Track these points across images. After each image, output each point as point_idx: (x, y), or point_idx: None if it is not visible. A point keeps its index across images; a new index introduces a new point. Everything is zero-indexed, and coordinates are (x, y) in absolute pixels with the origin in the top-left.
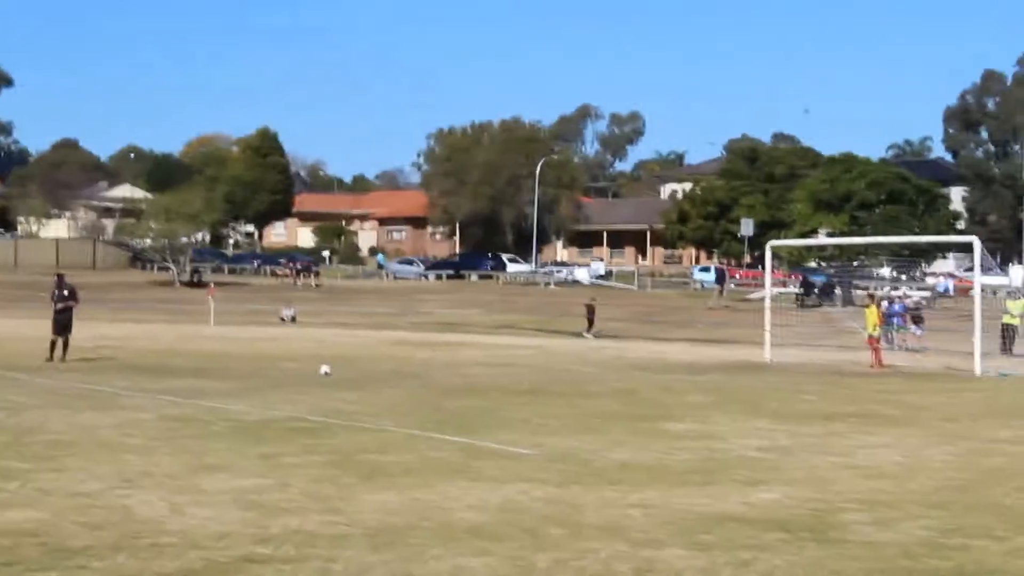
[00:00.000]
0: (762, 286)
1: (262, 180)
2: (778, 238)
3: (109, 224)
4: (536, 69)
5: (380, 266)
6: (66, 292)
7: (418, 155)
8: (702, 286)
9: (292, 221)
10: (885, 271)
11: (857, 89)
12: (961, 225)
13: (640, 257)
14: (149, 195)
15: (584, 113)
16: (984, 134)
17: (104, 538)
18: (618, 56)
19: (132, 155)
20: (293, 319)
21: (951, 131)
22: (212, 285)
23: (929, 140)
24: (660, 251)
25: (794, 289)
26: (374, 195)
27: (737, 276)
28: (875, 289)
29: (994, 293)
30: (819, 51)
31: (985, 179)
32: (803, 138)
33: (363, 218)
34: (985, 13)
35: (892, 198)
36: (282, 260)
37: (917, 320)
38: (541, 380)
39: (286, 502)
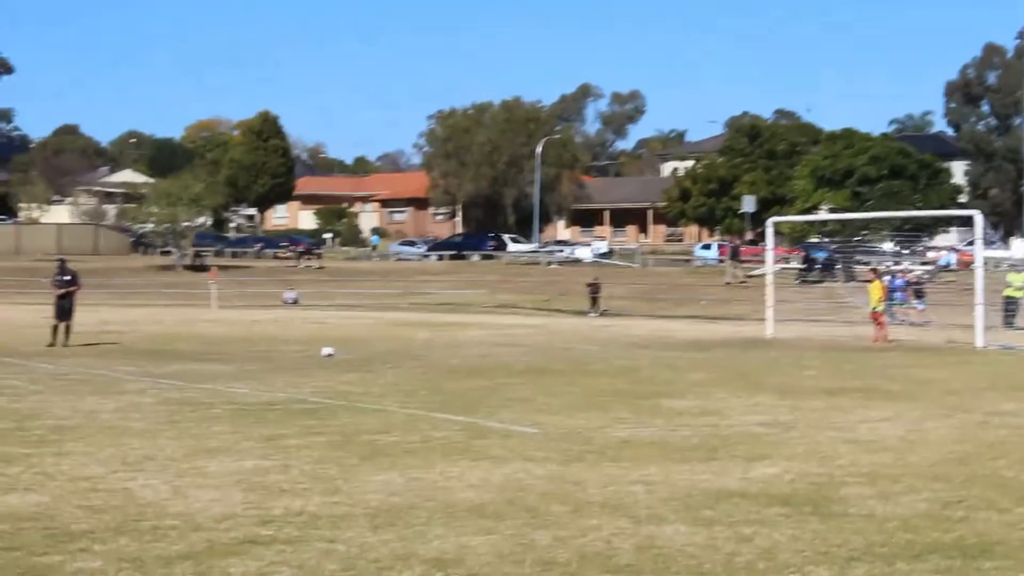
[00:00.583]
0: (764, 262)
1: (263, 163)
2: (780, 214)
3: (111, 209)
4: (537, 49)
5: (374, 246)
6: (68, 277)
7: (419, 136)
8: (704, 263)
9: (294, 204)
10: (887, 246)
11: (858, 64)
12: (963, 199)
13: (642, 235)
14: (150, 180)
15: (585, 92)
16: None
17: (106, 521)
18: (618, 35)
19: (133, 140)
20: (295, 302)
21: (952, 105)
22: (214, 269)
23: (931, 115)
24: (662, 229)
25: (796, 265)
26: (375, 177)
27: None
28: (878, 264)
29: (996, 266)
30: (820, 27)
31: (987, 153)
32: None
33: (365, 200)
34: None
35: (894, 173)
36: (284, 243)
37: (919, 294)
38: (543, 359)
39: (288, 483)
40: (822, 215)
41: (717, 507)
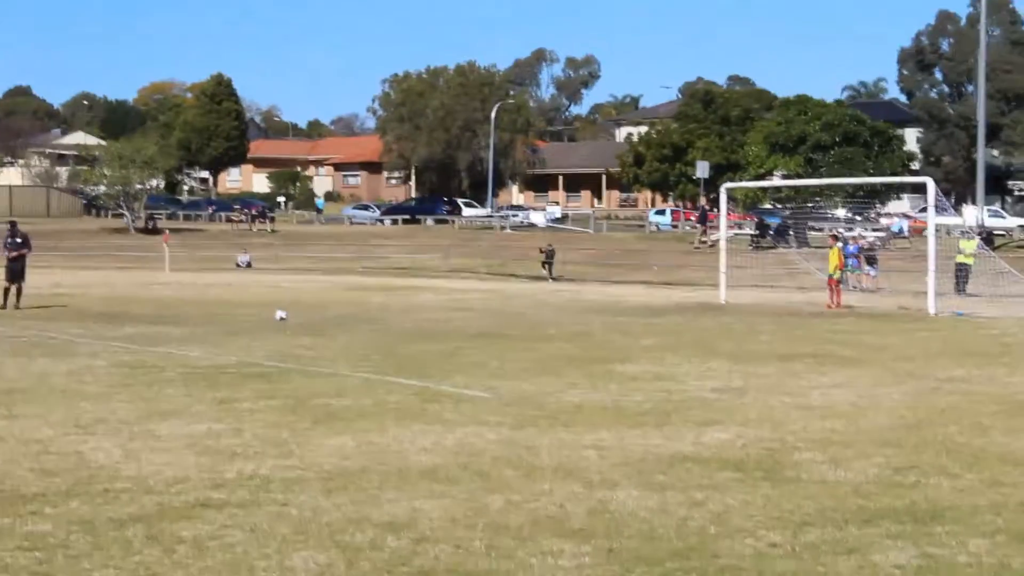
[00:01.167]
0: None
1: (216, 126)
2: (733, 180)
3: (63, 172)
4: (491, 13)
5: (319, 210)
6: (19, 240)
7: (373, 100)
8: (658, 228)
9: (247, 167)
10: (840, 212)
11: (812, 31)
12: (916, 166)
13: (596, 200)
14: (103, 142)
15: (539, 57)
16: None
17: (58, 484)
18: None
19: (85, 102)
20: (248, 265)
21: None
22: (167, 232)
23: (884, 81)
24: (616, 194)
25: (749, 231)
26: (329, 141)
27: (692, 219)
28: (835, 230)
29: (948, 233)
30: None
31: (939, 120)
32: (758, 81)
33: (318, 164)
34: None
35: (847, 140)
36: (237, 206)
37: (871, 261)
38: (497, 324)
39: (241, 447)
40: (775, 181)
41: (670, 472)
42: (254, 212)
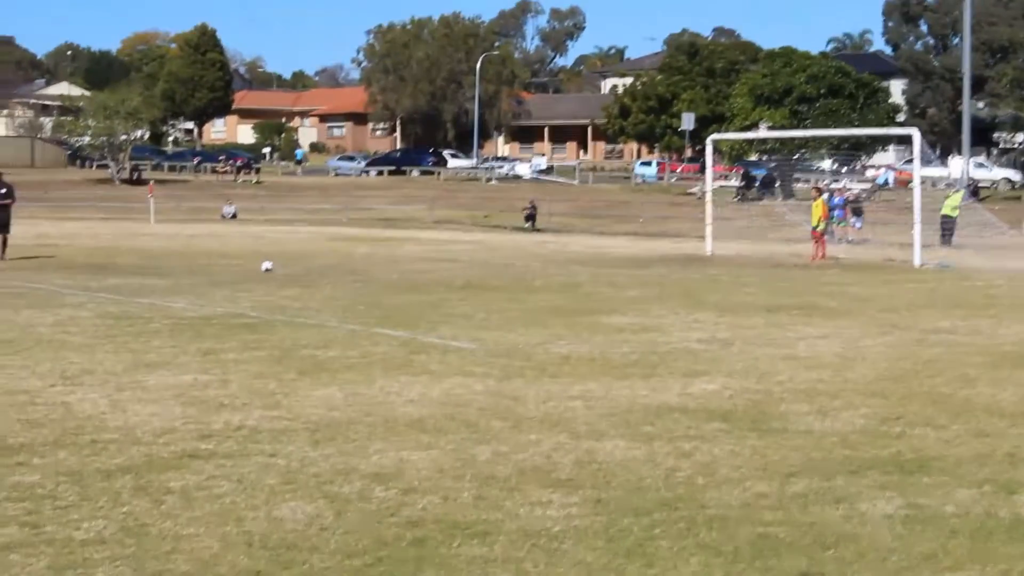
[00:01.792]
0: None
1: (201, 77)
2: (719, 132)
3: (47, 122)
4: None
5: (299, 161)
6: (3, 190)
7: (358, 51)
8: (643, 180)
9: (232, 118)
10: (825, 164)
11: None
12: (901, 118)
13: (581, 152)
14: (87, 93)
15: (524, 8)
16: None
17: (45, 435)
18: None
19: (69, 53)
20: (234, 216)
21: (891, 24)
22: (152, 183)
23: (869, 33)
24: (601, 146)
25: (735, 183)
26: (314, 92)
27: (678, 170)
28: (820, 183)
29: (933, 185)
30: None
31: (925, 72)
32: (744, 32)
33: (303, 115)
34: None
35: (832, 92)
36: (222, 157)
37: (857, 212)
38: (482, 275)
39: (227, 398)
40: (761, 133)
41: (656, 423)
42: (239, 163)
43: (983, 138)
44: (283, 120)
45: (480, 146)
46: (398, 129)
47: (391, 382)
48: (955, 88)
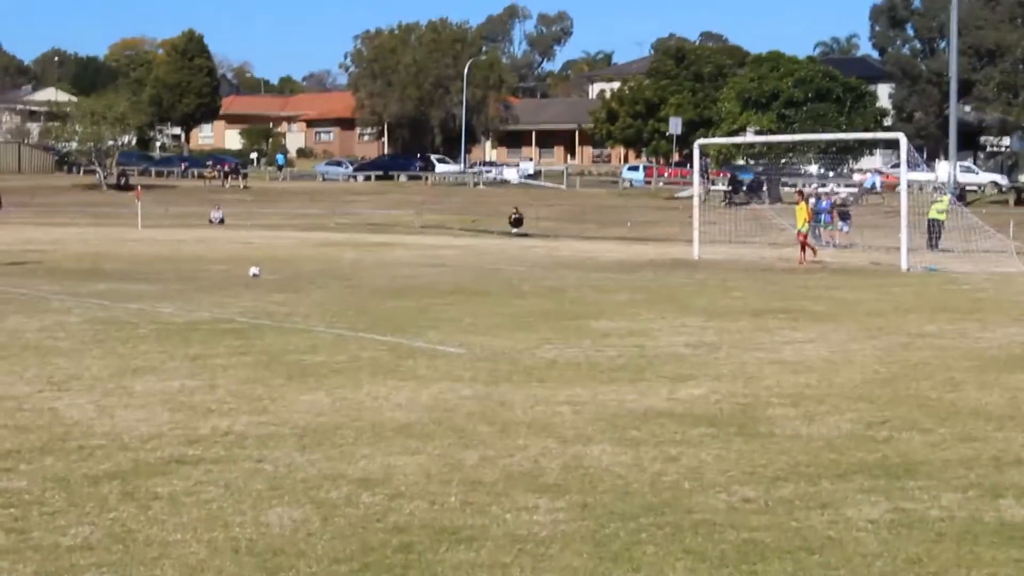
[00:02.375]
0: (690, 184)
1: (188, 82)
2: (706, 136)
3: (34, 128)
4: None
5: (280, 167)
6: None
7: (345, 56)
8: (631, 184)
9: (219, 124)
10: (813, 168)
11: None
12: (888, 122)
13: (569, 156)
14: (74, 98)
15: (512, 13)
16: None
17: (32, 441)
18: None
19: (56, 58)
20: (221, 221)
21: (878, 28)
22: (139, 188)
23: (856, 38)
24: (589, 150)
25: (722, 187)
26: (302, 97)
27: (665, 174)
28: (804, 186)
29: (920, 189)
30: None
31: (912, 76)
32: (731, 37)
33: (291, 120)
34: None
35: (819, 96)
36: (209, 163)
37: (844, 216)
38: (470, 280)
39: (215, 403)
40: (748, 137)
41: (643, 427)
42: (227, 168)
43: (970, 142)
44: (271, 125)
45: (468, 151)
46: (386, 134)
47: (378, 387)
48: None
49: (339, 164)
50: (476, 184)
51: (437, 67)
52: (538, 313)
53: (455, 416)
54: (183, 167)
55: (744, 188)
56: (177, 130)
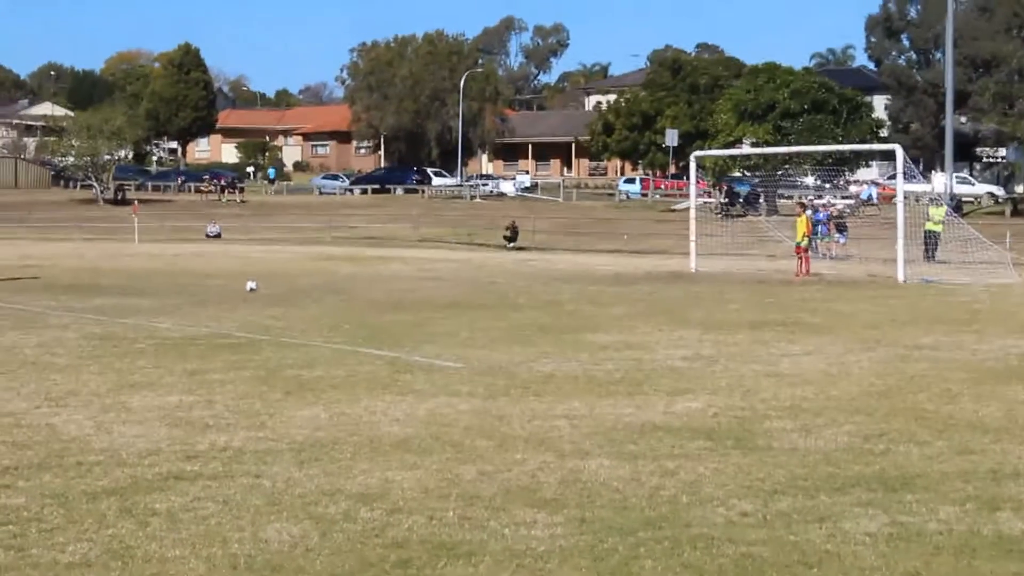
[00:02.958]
0: (687, 196)
1: (184, 96)
2: (702, 148)
3: (30, 142)
4: None
5: (271, 180)
6: None
7: (341, 70)
8: (627, 197)
9: (216, 137)
10: (809, 180)
11: None
12: (884, 133)
13: (565, 169)
14: (70, 113)
15: (508, 25)
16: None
17: (30, 457)
18: None
19: (52, 73)
20: (218, 235)
21: (873, 39)
22: (136, 203)
23: (852, 49)
24: (585, 163)
25: (719, 199)
26: (298, 110)
27: (662, 186)
28: (803, 198)
29: (917, 200)
30: None
31: (908, 87)
32: (727, 48)
33: (287, 133)
34: None
35: (815, 107)
36: (206, 176)
37: (841, 228)
38: (467, 293)
39: (212, 418)
40: (744, 149)
41: (641, 441)
42: (223, 182)
43: (966, 153)
44: (267, 139)
45: (464, 164)
46: (382, 147)
47: (376, 401)
48: (938, 103)
49: (336, 177)
50: (473, 197)
51: (433, 80)
52: (535, 327)
53: (453, 431)
54: (180, 181)
55: (740, 200)
56: (173, 144)
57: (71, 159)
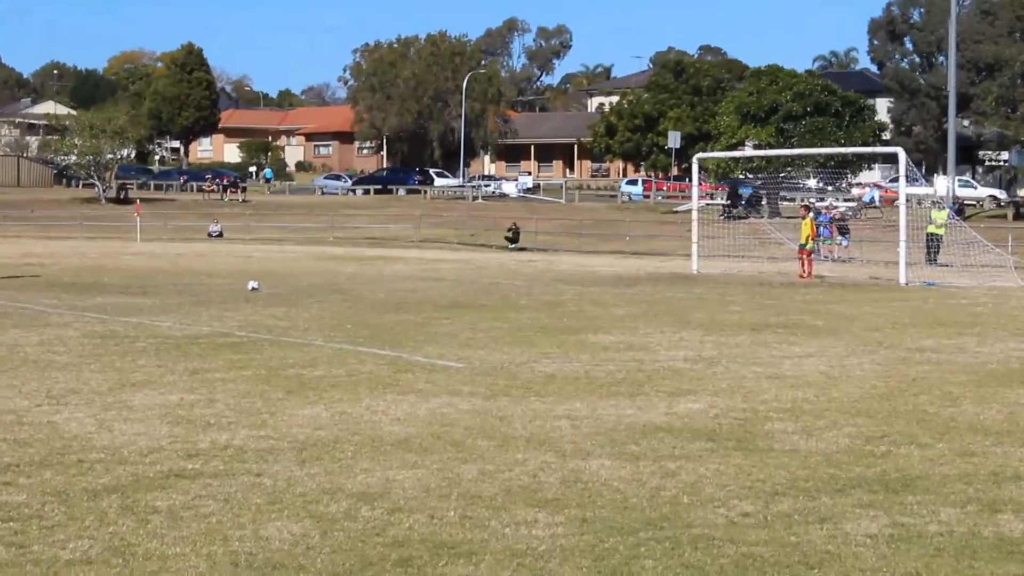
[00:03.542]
0: (689, 198)
1: (187, 96)
2: (705, 150)
3: (33, 141)
4: None
5: (267, 179)
6: None
7: (344, 70)
8: (630, 198)
9: (218, 137)
10: (811, 182)
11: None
12: (887, 136)
13: (568, 170)
14: (73, 112)
15: (511, 27)
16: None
17: (31, 455)
18: None
19: (56, 71)
20: (220, 235)
21: (876, 42)
22: (138, 202)
23: (855, 51)
24: (587, 164)
25: (721, 201)
26: (301, 110)
27: (664, 188)
28: (807, 200)
29: (919, 203)
30: None
31: (910, 90)
32: (730, 50)
33: (290, 133)
34: None
35: (818, 110)
36: (208, 176)
37: (843, 231)
38: (468, 294)
39: (214, 417)
40: (747, 151)
41: (642, 442)
42: (225, 182)
43: (968, 156)
44: (269, 139)
45: (466, 165)
46: (385, 148)
47: (377, 401)
48: (940, 106)
49: (338, 178)
50: (475, 198)
51: (436, 80)
52: (536, 327)
53: (454, 430)
54: (182, 181)
55: (743, 202)
56: (176, 143)
57: (73, 158)
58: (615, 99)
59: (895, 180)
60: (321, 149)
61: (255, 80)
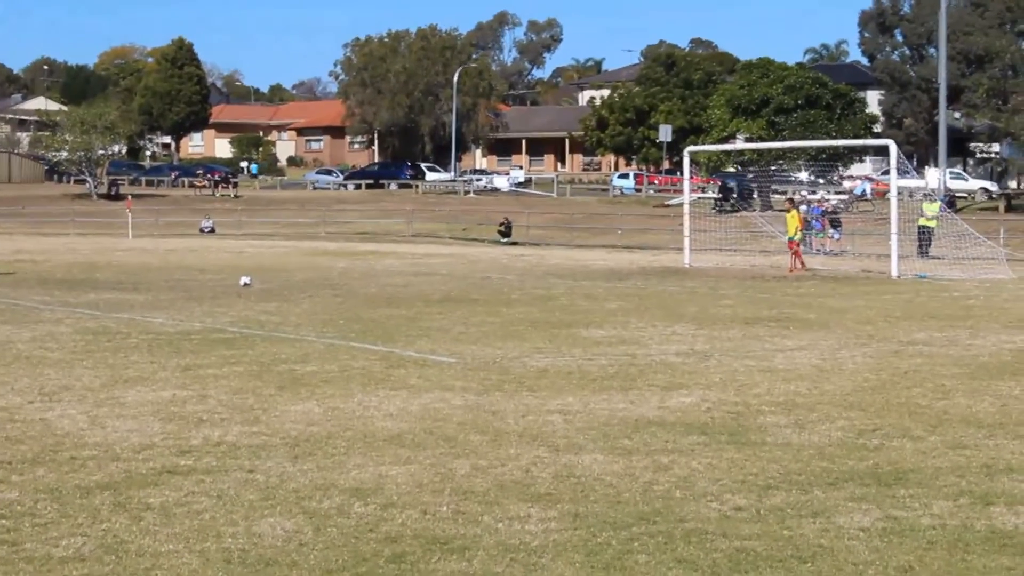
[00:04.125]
0: (680, 191)
1: (178, 91)
2: (696, 144)
3: (24, 137)
4: None
5: (253, 175)
6: None
7: (335, 65)
8: (621, 192)
9: (209, 132)
10: (803, 175)
11: None
12: (878, 128)
13: (559, 164)
14: (64, 108)
15: (501, 20)
16: (900, 37)
17: (24, 452)
18: None
19: (46, 67)
20: (212, 230)
21: (867, 35)
22: (129, 198)
23: (845, 44)
24: (579, 158)
25: (712, 194)
26: (292, 105)
27: (656, 182)
28: (794, 193)
29: (911, 196)
30: None
31: (901, 82)
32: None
33: (281, 128)
34: None
35: (809, 102)
36: (199, 171)
37: (835, 223)
38: (461, 288)
39: (206, 413)
40: (738, 144)
41: (635, 436)
42: (217, 177)
43: (959, 148)
44: (260, 134)
45: (458, 159)
46: (376, 142)
47: (370, 396)
48: (931, 98)
49: (329, 172)
50: (466, 192)
51: (427, 75)
52: (528, 322)
53: (446, 425)
54: (173, 176)
55: (734, 195)
56: (167, 139)
57: (65, 154)
58: (606, 93)
59: (886, 173)
60: (312, 144)
61: (246, 75)
